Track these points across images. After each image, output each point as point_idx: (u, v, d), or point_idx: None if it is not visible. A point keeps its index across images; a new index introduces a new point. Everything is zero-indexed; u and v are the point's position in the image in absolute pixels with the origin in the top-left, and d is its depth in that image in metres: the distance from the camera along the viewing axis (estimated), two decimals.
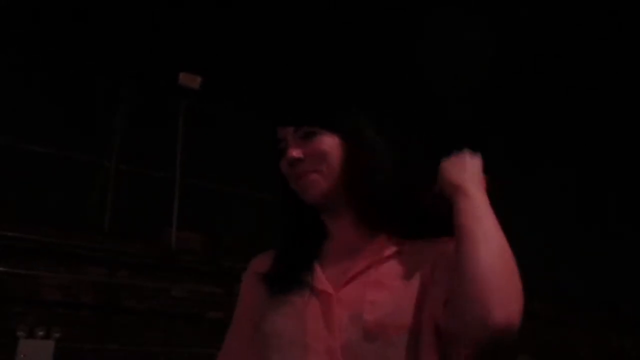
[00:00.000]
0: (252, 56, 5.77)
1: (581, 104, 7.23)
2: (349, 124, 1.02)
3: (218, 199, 5.62)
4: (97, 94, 5.52)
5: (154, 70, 5.52)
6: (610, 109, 7.35)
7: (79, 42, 5.46)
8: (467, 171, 0.90)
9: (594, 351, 7.17)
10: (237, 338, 1.07)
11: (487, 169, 0.94)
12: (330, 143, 0.99)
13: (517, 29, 6.45)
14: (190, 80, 5.19)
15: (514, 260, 0.82)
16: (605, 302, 7.13)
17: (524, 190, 6.74)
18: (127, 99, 5.47)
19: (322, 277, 0.97)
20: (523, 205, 6.68)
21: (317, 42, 5.84)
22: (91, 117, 5.47)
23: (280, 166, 1.03)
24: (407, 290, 0.90)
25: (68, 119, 5.29)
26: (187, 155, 5.39)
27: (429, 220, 0.97)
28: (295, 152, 0.98)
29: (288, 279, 0.99)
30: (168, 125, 5.41)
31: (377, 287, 0.92)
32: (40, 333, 3.78)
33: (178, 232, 4.95)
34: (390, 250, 0.97)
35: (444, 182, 0.92)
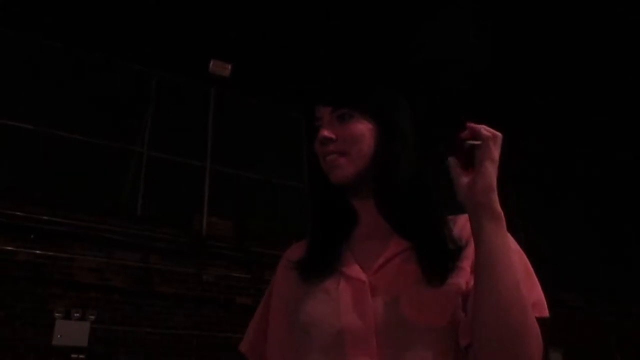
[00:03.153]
0: (283, 43, 5.76)
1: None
2: (386, 113, 1.02)
3: (248, 186, 5.66)
4: (129, 82, 5.60)
5: (185, 58, 5.57)
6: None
7: (111, 30, 5.54)
8: (494, 188, 0.83)
9: (624, 341, 7.06)
10: (274, 325, 1.05)
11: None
12: (363, 128, 0.99)
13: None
14: (220, 68, 5.21)
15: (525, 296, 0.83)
16: (635, 291, 6.99)
17: (558, 187, 6.64)
18: (159, 87, 5.55)
19: (353, 264, 0.96)
20: (556, 201, 6.57)
21: (354, 27, 5.77)
22: (124, 105, 5.55)
23: (314, 146, 1.03)
24: (448, 289, 0.88)
25: (101, 107, 5.38)
26: (218, 143, 5.44)
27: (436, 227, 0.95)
28: (327, 132, 0.98)
29: (319, 265, 0.99)
30: (199, 113, 5.46)
31: (410, 276, 0.90)
32: (76, 315, 3.90)
33: (208, 218, 5.02)
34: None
35: (473, 199, 0.84)
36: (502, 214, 0.83)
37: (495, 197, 0.83)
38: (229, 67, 5.26)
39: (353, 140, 0.98)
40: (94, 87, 5.46)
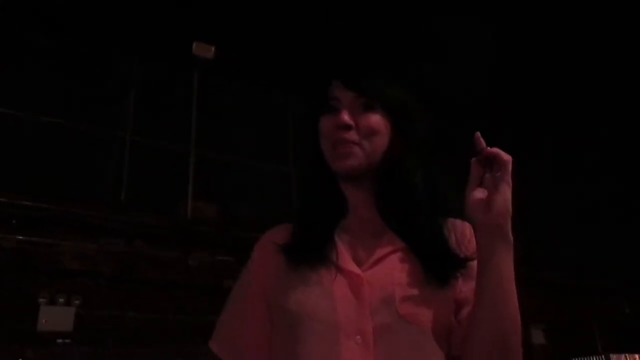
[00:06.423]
0: (269, 25, 5.65)
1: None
2: (405, 111, 1.01)
3: (232, 170, 5.63)
4: (112, 67, 5.51)
5: (168, 40, 5.47)
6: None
7: (93, 14, 5.43)
8: (510, 212, 0.84)
9: (603, 316, 7.22)
10: (253, 309, 1.04)
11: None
12: (383, 124, 0.98)
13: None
14: (204, 50, 5.12)
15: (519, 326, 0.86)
16: (615, 270, 7.13)
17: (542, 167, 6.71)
18: (141, 71, 5.47)
19: (347, 257, 0.95)
20: (539, 180, 6.63)
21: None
22: (106, 90, 5.47)
23: (322, 123, 1.00)
24: (443, 293, 0.90)
25: (84, 92, 5.29)
26: (202, 127, 5.39)
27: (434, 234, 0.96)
28: (348, 118, 0.96)
29: (310, 252, 0.96)
30: (182, 97, 5.39)
31: (405, 276, 0.91)
32: (61, 300, 3.88)
33: (193, 202, 5.00)
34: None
35: (490, 220, 0.84)
36: (512, 239, 0.85)
37: (509, 221, 0.84)
38: (213, 49, 5.16)
39: (372, 132, 0.97)
40: (75, 71, 5.37)
